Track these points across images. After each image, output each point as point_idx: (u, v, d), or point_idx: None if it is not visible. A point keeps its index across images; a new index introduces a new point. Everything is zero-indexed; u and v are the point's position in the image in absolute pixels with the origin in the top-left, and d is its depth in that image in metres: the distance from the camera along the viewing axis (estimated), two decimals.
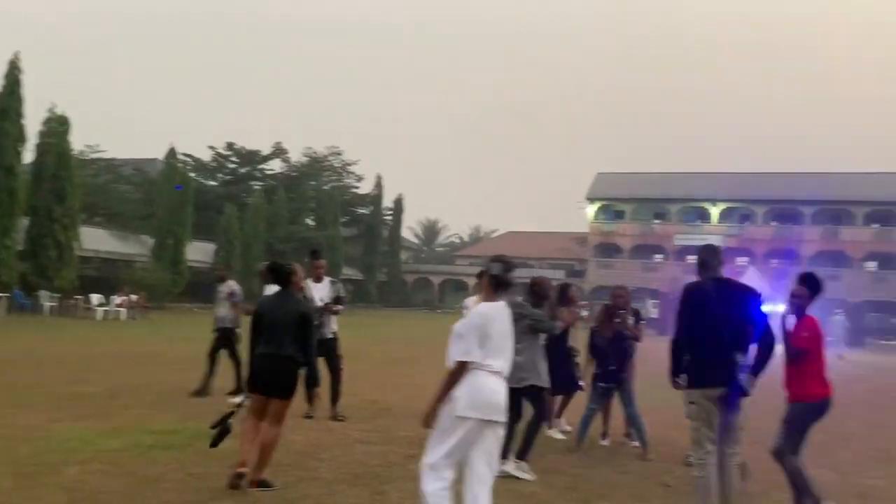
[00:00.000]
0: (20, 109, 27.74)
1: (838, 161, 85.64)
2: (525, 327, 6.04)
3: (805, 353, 5.19)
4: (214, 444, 5.59)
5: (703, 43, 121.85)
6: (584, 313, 8.00)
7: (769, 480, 5.85)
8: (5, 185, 26.82)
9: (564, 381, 7.66)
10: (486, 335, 4.02)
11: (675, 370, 4.95)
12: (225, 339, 9.82)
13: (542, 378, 6.26)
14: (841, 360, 20.49)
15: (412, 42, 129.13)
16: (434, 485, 3.92)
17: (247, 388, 5.59)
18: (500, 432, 4.08)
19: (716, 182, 60.18)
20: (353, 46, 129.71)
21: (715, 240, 58.13)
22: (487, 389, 3.96)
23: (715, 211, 59.48)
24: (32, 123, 29.33)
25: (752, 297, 4.89)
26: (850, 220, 56.10)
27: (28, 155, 29.05)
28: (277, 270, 5.62)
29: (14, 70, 27.82)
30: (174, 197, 37.69)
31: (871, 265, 54.88)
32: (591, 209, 62.45)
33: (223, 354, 9.80)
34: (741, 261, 53.48)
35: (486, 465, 3.98)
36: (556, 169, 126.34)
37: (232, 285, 10.10)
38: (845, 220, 56.25)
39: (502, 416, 4.03)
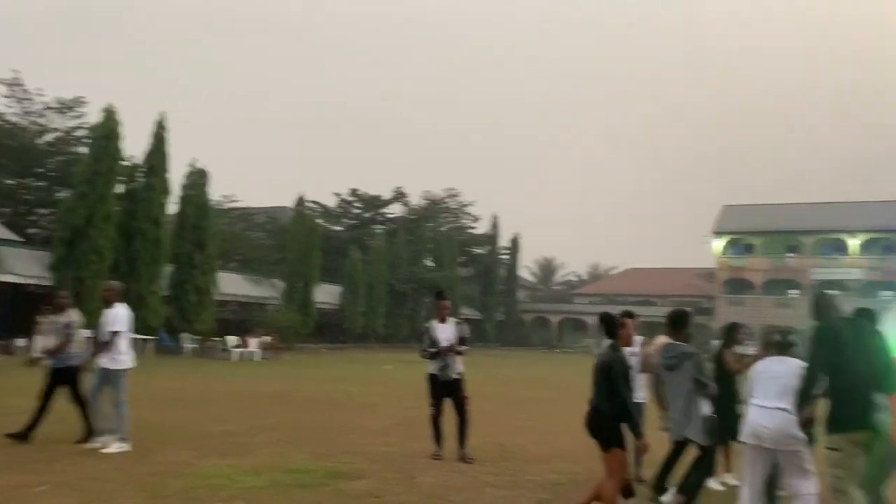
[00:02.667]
0: (165, 165, 30.01)
1: None
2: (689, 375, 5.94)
3: None
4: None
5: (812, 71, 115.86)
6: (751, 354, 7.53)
7: None
8: (152, 236, 28.93)
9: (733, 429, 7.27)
10: None
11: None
12: (64, 378, 8.48)
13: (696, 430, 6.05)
14: None
15: (521, 83, 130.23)
16: None
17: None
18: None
19: (854, 211, 56.50)
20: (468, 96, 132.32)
21: (856, 273, 54.60)
22: None
23: (854, 242, 55.75)
24: (175, 176, 31.61)
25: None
26: None
27: (172, 206, 31.31)
28: (608, 322, 5.69)
29: (160, 129, 30.21)
30: (304, 242, 39.47)
31: None
32: (719, 243, 60.08)
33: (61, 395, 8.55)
34: (886, 295, 49.65)
35: None
36: (678, 203, 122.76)
37: (72, 315, 8.64)
38: None
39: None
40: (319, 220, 47.63)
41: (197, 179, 32.34)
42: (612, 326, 5.56)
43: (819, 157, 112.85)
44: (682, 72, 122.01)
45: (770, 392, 5.24)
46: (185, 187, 32.14)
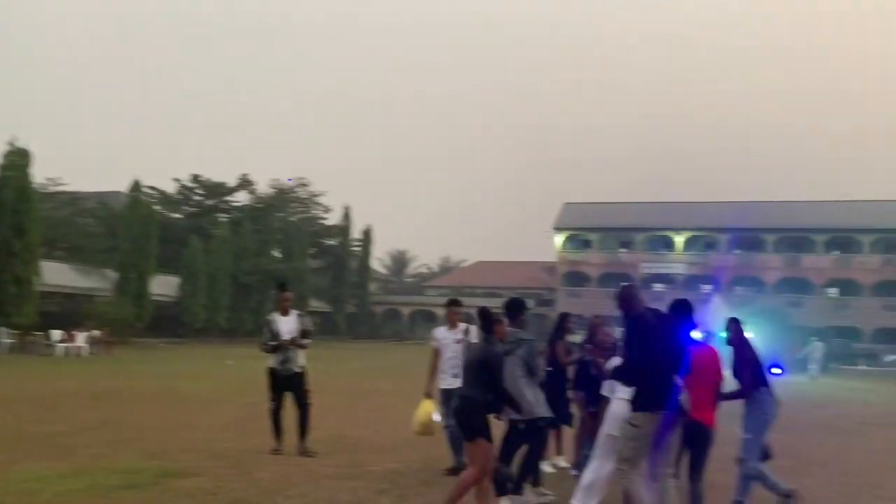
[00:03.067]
0: None
1: (798, 189, 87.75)
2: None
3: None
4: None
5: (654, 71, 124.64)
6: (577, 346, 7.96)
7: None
8: None
9: (564, 415, 7.61)
10: None
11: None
12: None
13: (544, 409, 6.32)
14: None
15: (382, 70, 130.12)
16: None
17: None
18: None
19: (680, 211, 61.20)
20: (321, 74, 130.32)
21: (681, 267, 59.23)
22: None
23: (679, 239, 60.40)
24: None
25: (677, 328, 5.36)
26: (811, 248, 57.33)
27: None
28: (485, 317, 5.66)
29: None
30: (139, 230, 37.21)
31: (833, 291, 56.01)
32: (559, 239, 63.04)
33: None
34: (706, 288, 54.29)
35: None
36: (524, 199, 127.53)
37: None
38: (806, 247, 57.46)
39: None
40: (157, 207, 45.12)
41: (17, 160, 29.61)
42: (488, 321, 5.62)
43: (648, 158, 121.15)
44: (533, 73, 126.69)
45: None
46: (4, 168, 29.37)
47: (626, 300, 5.37)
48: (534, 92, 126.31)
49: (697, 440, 5.64)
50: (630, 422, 5.14)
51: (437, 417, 7.25)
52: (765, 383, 6.28)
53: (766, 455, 6.34)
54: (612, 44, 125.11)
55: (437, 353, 7.55)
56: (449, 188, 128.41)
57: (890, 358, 46.41)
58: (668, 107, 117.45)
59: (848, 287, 55.35)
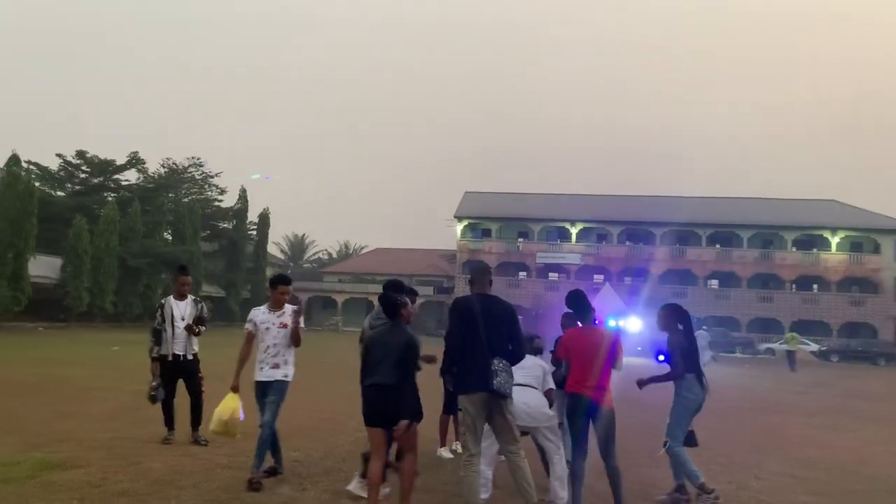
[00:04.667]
0: None
1: (685, 186, 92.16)
2: None
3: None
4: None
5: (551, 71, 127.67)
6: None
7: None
8: None
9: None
10: None
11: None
12: None
13: None
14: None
15: (280, 49, 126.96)
16: None
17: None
18: None
19: (575, 203, 63.01)
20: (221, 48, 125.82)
21: (575, 257, 61.02)
22: None
23: (574, 231, 62.21)
24: None
25: (510, 311, 5.44)
26: (695, 242, 60.31)
27: None
28: (390, 304, 5.48)
29: None
30: (16, 207, 34.81)
31: (714, 283, 59.21)
32: (459, 227, 63.64)
33: None
34: (598, 278, 56.25)
35: None
36: (427, 188, 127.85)
37: None
38: (691, 241, 60.40)
39: None
40: (38, 184, 42.38)
41: None
42: (394, 307, 5.48)
43: (544, 148, 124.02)
44: (437, 63, 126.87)
45: (518, 375, 5.77)
46: None
47: (471, 282, 5.64)
48: (440, 79, 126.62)
49: (595, 419, 5.74)
50: (458, 407, 5.37)
51: (241, 415, 6.59)
52: (693, 370, 6.39)
53: (691, 441, 6.48)
54: (535, 36, 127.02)
55: (250, 339, 6.61)
56: (350, 173, 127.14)
57: (764, 346, 49.60)
58: (568, 106, 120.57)
59: (728, 279, 58.65)
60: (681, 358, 6.34)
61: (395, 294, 5.57)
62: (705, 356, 29.03)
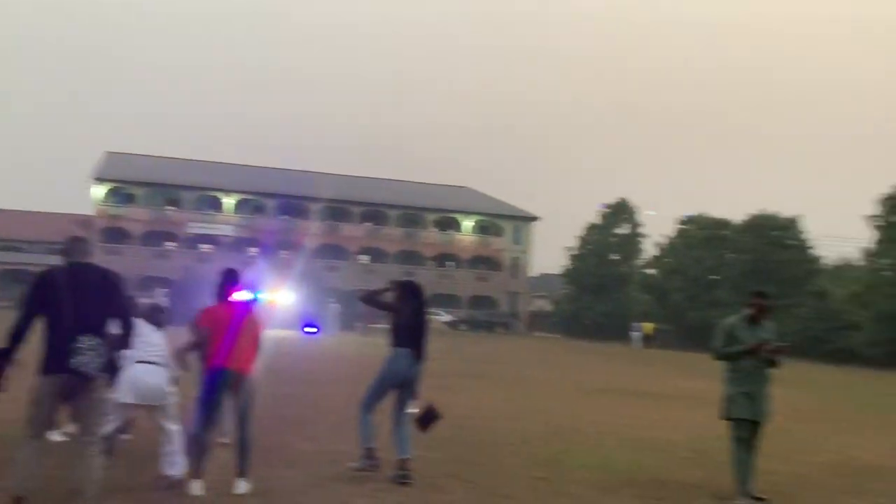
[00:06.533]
0: None
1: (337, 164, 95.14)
2: None
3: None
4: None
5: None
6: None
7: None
8: None
9: None
10: None
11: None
12: None
13: None
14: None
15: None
16: None
17: None
18: None
19: (230, 173, 61.34)
20: None
21: (229, 229, 59.48)
22: None
23: (229, 201, 60.58)
24: None
25: (112, 282, 4.92)
26: (348, 218, 62.83)
27: None
28: None
29: None
30: None
31: (365, 258, 62.45)
32: (99, 190, 57.90)
33: None
34: (252, 251, 55.62)
35: None
36: (56, 143, 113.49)
37: None
38: (345, 217, 62.79)
39: None
40: None
41: None
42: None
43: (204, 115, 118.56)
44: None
45: (148, 353, 5.76)
46: None
47: (64, 252, 4.95)
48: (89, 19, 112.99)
49: (238, 391, 5.75)
50: (32, 390, 4.72)
51: None
52: (406, 345, 6.55)
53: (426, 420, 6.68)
54: None
55: None
56: None
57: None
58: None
59: (377, 255, 62.33)
60: (397, 330, 6.63)
61: None
62: (332, 326, 30.79)
